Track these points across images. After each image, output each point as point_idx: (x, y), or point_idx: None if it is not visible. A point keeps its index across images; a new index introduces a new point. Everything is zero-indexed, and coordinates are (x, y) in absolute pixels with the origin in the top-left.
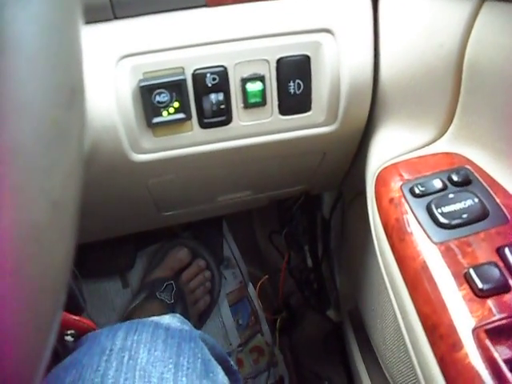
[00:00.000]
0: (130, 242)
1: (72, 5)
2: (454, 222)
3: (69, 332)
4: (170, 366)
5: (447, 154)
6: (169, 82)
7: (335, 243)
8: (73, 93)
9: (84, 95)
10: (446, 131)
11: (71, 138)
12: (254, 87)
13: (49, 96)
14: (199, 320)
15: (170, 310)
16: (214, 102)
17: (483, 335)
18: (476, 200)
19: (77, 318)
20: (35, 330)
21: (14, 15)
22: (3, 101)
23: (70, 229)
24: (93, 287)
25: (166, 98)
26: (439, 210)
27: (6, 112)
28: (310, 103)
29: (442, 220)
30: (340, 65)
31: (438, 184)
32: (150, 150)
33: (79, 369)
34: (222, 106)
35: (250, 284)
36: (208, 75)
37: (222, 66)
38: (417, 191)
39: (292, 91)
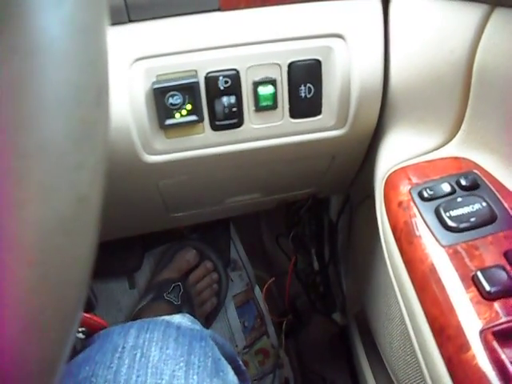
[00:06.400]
0: (138, 243)
1: (100, 6)
2: (462, 225)
3: (80, 329)
4: (182, 364)
5: (455, 158)
6: (182, 84)
7: (342, 246)
8: (99, 91)
9: (109, 93)
10: (454, 136)
11: (98, 135)
12: (265, 91)
13: (77, 95)
14: (206, 322)
15: (177, 311)
16: (225, 104)
17: (491, 337)
18: (484, 204)
19: (88, 315)
20: (60, 321)
21: (46, 18)
22: (33, 100)
23: (93, 223)
24: (100, 287)
25: (178, 101)
26: (447, 214)
27: (36, 111)
28: (321, 107)
29: (450, 223)
30: (351, 69)
31: (446, 188)
32: (162, 152)
33: (92, 365)
34: (234, 109)
35: (257, 286)
36: (220, 78)
37: (234, 70)
38: (425, 195)
39: (303, 95)
